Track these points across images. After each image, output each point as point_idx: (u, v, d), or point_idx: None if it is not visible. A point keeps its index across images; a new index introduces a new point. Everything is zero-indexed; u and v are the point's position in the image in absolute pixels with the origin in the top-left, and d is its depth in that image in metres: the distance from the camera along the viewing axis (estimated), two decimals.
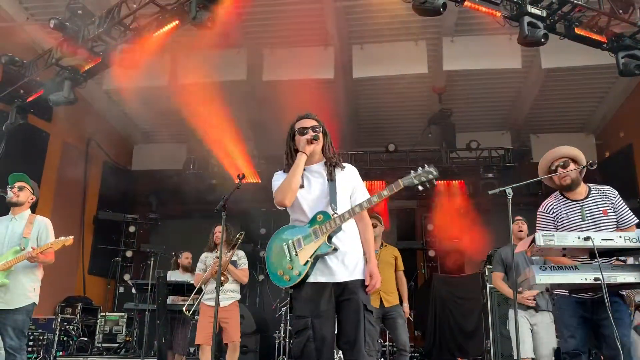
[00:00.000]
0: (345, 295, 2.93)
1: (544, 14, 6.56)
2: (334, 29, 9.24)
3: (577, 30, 7.00)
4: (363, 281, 2.99)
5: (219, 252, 4.83)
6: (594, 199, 3.61)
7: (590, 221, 3.54)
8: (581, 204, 3.61)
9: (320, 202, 3.08)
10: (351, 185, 3.18)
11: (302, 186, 3.10)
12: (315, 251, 2.95)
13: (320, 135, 3.17)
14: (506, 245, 5.31)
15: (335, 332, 2.97)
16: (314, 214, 3.03)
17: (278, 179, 3.20)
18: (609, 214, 3.55)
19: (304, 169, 3.13)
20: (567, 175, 3.62)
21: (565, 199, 3.69)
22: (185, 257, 7.35)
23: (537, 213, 3.73)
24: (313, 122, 3.21)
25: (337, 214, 2.98)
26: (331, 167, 3.17)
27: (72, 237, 4.37)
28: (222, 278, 5.68)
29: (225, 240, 5.40)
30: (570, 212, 3.62)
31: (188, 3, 7.19)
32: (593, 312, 3.36)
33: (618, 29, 7.11)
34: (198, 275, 6.13)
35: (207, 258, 6.13)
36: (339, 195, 3.07)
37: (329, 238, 2.96)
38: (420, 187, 3.02)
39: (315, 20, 9.13)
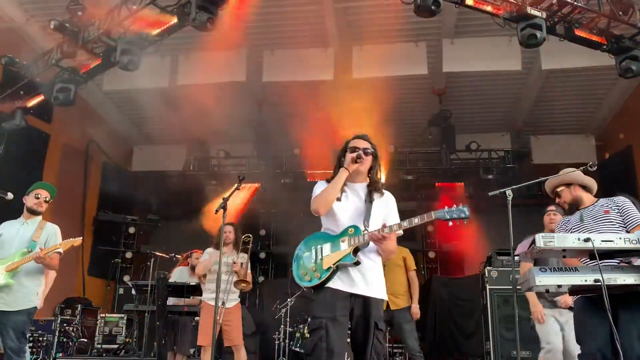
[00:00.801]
0: (360, 309, 3.08)
1: (544, 16, 6.57)
2: (334, 30, 9.25)
3: (577, 32, 7.01)
4: (382, 300, 3.18)
5: (222, 252, 4.79)
6: (598, 204, 3.65)
7: (591, 220, 3.55)
8: (582, 210, 3.67)
9: (354, 218, 3.22)
10: (386, 211, 3.33)
11: (339, 199, 3.25)
12: (339, 260, 3.09)
13: (369, 157, 3.31)
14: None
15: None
16: (346, 227, 3.18)
17: (318, 187, 3.34)
18: (610, 213, 3.55)
19: (346, 185, 3.28)
20: (564, 203, 3.77)
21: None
22: (195, 257, 7.27)
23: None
24: (366, 144, 3.35)
25: (367, 231, 3.11)
26: (372, 189, 3.31)
27: (81, 238, 4.46)
28: (244, 284, 5.64)
29: (233, 242, 5.39)
30: (572, 217, 3.67)
31: (188, 5, 7.19)
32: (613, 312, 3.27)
33: (618, 30, 7.12)
34: (200, 264, 6.06)
35: (212, 254, 6.02)
36: (372, 217, 3.21)
37: (355, 251, 3.10)
38: (449, 223, 3.10)
39: (315, 22, 9.15)
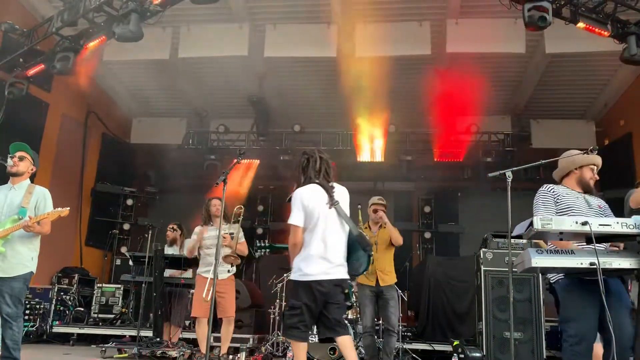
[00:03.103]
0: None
1: None
2: (338, 6, 9.15)
3: (583, 16, 6.95)
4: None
5: (219, 226, 4.80)
6: (592, 198, 3.69)
7: (592, 211, 3.56)
8: (583, 195, 3.68)
9: None
10: None
11: None
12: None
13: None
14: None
15: None
16: None
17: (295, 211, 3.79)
18: (602, 209, 3.62)
19: None
20: (595, 179, 3.75)
21: (568, 189, 3.71)
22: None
23: (539, 192, 3.71)
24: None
25: None
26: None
27: (69, 208, 4.36)
28: (232, 258, 5.67)
29: (222, 215, 5.41)
30: (574, 199, 3.62)
31: None
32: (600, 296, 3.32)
33: (624, 15, 7.06)
34: (189, 245, 6.14)
35: (199, 232, 6.07)
36: None
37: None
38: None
39: None
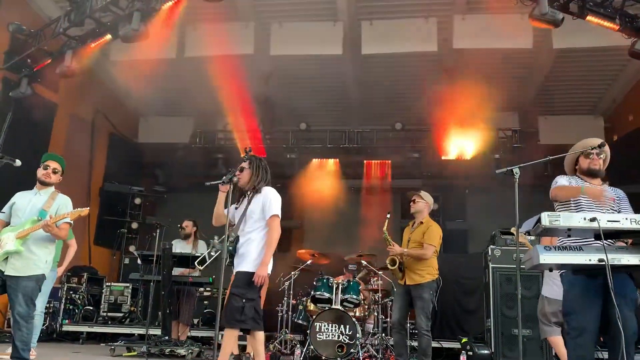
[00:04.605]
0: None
1: None
2: (344, 3, 9.13)
3: (591, 11, 6.90)
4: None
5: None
6: (608, 189, 3.65)
7: (601, 205, 3.54)
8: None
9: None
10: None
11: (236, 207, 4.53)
12: None
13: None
14: None
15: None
16: None
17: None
18: (616, 202, 3.60)
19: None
20: (600, 159, 3.71)
21: (582, 180, 3.71)
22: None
23: (557, 178, 3.72)
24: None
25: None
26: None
27: (88, 208, 4.51)
28: None
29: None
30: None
31: None
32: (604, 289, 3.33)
33: (633, 10, 7.00)
34: None
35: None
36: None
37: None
38: None
39: None
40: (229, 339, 3.98)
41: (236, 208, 4.41)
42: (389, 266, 5.71)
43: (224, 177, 4.25)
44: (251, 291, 3.99)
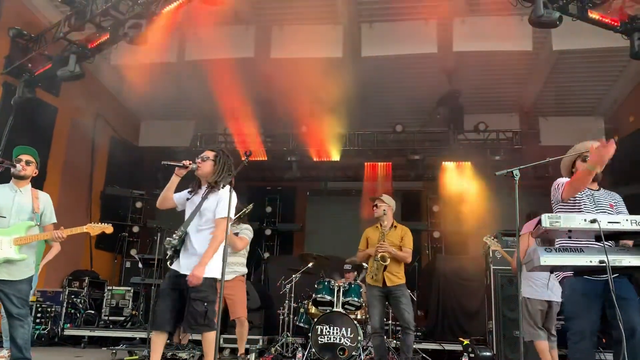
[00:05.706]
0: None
1: None
2: (344, 6, 9.14)
3: (591, 12, 6.91)
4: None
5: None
6: (603, 194, 3.65)
7: (599, 210, 3.53)
8: (592, 192, 3.62)
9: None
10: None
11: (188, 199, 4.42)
12: None
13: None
14: None
15: None
16: None
17: None
18: (614, 208, 3.58)
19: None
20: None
21: None
22: None
23: (559, 180, 3.65)
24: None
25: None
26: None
27: (111, 225, 4.74)
28: None
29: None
30: (583, 195, 3.58)
31: None
32: (604, 293, 3.31)
33: (632, 10, 7.00)
34: None
35: None
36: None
37: None
38: None
39: None
40: (159, 346, 3.98)
41: (188, 199, 4.28)
42: (380, 261, 5.67)
43: (184, 161, 4.19)
44: (212, 294, 3.94)
